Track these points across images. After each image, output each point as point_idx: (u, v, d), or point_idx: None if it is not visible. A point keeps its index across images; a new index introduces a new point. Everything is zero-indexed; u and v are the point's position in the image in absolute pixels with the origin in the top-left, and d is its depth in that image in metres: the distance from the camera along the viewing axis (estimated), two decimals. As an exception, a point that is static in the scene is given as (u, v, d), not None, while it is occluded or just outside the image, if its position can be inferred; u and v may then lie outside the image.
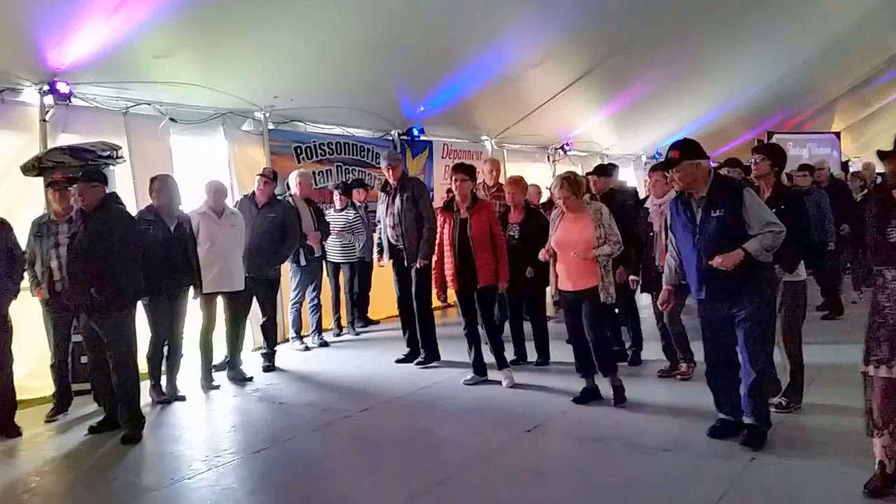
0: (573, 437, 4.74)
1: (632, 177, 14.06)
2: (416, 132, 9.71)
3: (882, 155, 3.45)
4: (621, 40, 8.95)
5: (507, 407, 5.38)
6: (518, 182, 6.42)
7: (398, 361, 6.79)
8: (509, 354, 6.24)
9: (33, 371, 5.67)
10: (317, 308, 7.86)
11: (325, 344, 7.90)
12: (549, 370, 6.35)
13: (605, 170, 6.93)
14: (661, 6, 8.42)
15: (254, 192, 6.80)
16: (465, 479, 4.12)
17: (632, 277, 5.96)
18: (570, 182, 5.08)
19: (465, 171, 5.84)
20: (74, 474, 4.56)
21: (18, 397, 5.35)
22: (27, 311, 5.41)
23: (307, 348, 7.71)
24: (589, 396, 5.28)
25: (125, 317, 4.91)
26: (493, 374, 5.98)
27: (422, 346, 6.65)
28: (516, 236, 6.21)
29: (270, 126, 7.95)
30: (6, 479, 4.48)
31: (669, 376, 5.84)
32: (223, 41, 6.23)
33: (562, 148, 12.55)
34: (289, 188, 7.47)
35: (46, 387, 5.65)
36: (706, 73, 11.39)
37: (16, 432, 5.14)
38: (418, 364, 6.62)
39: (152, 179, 5.71)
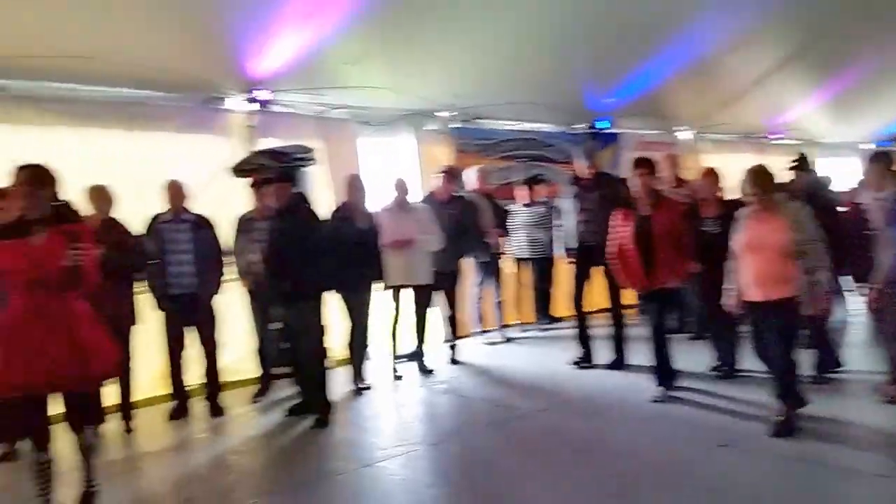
0: (774, 455, 4.20)
1: (845, 167, 12.53)
2: (603, 124, 9.36)
3: None
4: (834, 19, 7.98)
5: (696, 418, 4.96)
6: (711, 174, 5.93)
7: (576, 364, 6.55)
8: (704, 360, 5.79)
9: (240, 356, 6.17)
10: (499, 304, 7.85)
11: (508, 340, 7.87)
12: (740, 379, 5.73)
13: (805, 163, 6.14)
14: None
15: (436, 190, 6.92)
16: (646, 491, 3.84)
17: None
18: (757, 176, 4.49)
19: (646, 166, 5.49)
20: (268, 454, 4.90)
21: (227, 380, 5.90)
22: (234, 301, 5.91)
23: (491, 343, 7.73)
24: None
25: (312, 308, 5.19)
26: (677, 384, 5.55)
27: (615, 350, 6.38)
28: (715, 231, 5.66)
29: (455, 124, 8.06)
30: (208, 455, 4.92)
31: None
32: (407, 45, 6.42)
33: (767, 136, 11.50)
34: (468, 184, 7.52)
35: (252, 370, 6.14)
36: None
37: (219, 412, 5.64)
38: (605, 367, 6.35)
39: (343, 179, 6.00)
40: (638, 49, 7.79)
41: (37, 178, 3.51)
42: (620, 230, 5.41)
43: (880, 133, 12.74)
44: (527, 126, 8.86)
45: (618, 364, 6.31)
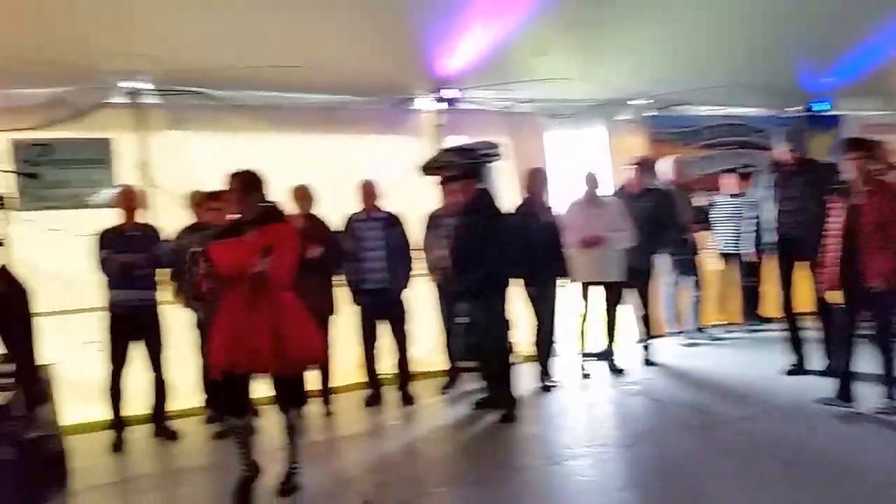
0: None
1: None
2: (821, 106, 8.46)
3: None
4: None
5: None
6: None
7: (789, 373, 5.93)
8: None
9: (429, 348, 6.34)
10: (696, 301, 7.37)
11: (715, 340, 7.42)
12: None
13: None
14: None
15: (628, 182, 6.63)
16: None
17: None
18: None
19: (860, 147, 4.81)
20: (456, 445, 4.96)
21: (417, 371, 6.08)
22: (423, 296, 6.08)
23: (690, 345, 7.28)
24: None
25: (496, 302, 5.18)
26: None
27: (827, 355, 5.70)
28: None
29: (650, 113, 7.71)
30: (400, 442, 5.10)
31: None
32: (597, 31, 6.20)
33: None
34: (663, 176, 7.12)
35: (440, 363, 6.29)
36: None
37: (410, 401, 5.83)
38: (819, 373, 5.69)
39: (526, 173, 5.97)
40: (863, 19, 6.92)
41: (248, 182, 3.86)
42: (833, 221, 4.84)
43: None
44: (731, 111, 8.24)
45: (831, 371, 5.61)
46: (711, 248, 7.61)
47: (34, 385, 4.64)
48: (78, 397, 5.09)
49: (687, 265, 7.27)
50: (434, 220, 5.89)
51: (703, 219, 7.52)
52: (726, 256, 7.63)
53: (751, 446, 4.42)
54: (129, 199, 4.99)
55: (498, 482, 4.14)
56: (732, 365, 6.46)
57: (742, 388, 5.67)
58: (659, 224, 6.48)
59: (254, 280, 3.69)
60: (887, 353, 4.73)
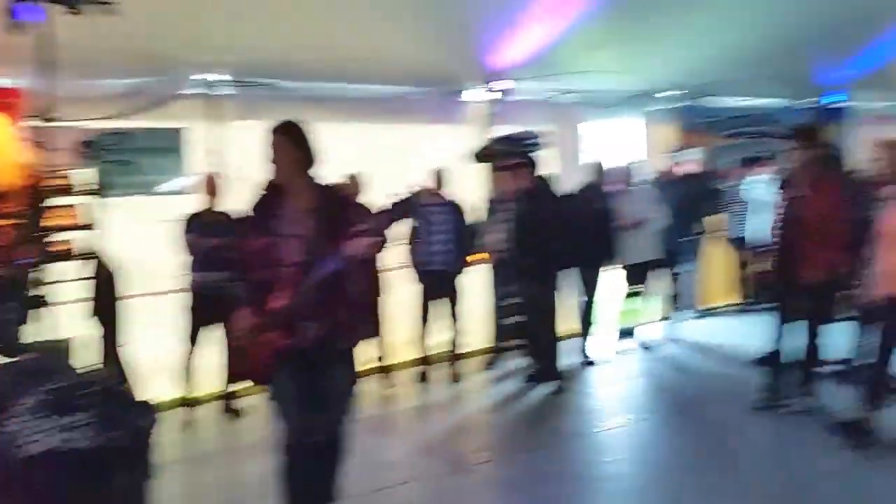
0: None
1: None
2: (833, 98, 8.85)
3: None
4: None
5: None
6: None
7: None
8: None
9: (478, 327, 6.67)
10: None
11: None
12: None
13: None
14: None
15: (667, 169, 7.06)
16: None
17: None
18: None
19: (807, 138, 4.82)
20: (511, 415, 5.39)
21: (467, 350, 6.43)
22: (478, 278, 6.40)
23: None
24: None
25: (549, 283, 5.58)
26: None
27: None
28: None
29: (683, 103, 8.05)
30: (463, 413, 5.59)
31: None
32: (635, 28, 6.52)
33: None
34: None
35: (488, 341, 6.64)
36: None
37: (458, 378, 6.18)
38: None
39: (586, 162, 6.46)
40: (876, 16, 7.29)
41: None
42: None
43: None
44: (754, 102, 8.63)
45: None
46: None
47: (118, 366, 4.94)
48: (153, 377, 5.33)
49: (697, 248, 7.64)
50: (494, 206, 6.20)
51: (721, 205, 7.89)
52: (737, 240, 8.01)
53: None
54: (211, 186, 5.27)
55: (562, 444, 4.67)
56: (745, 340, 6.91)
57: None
58: (690, 209, 6.89)
59: None
60: (812, 346, 4.77)
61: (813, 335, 4.75)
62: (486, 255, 6.18)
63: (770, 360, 5.00)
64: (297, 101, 5.77)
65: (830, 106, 8.95)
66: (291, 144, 3.12)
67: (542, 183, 5.60)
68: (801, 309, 4.68)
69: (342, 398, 3.28)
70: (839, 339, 4.87)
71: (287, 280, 3.05)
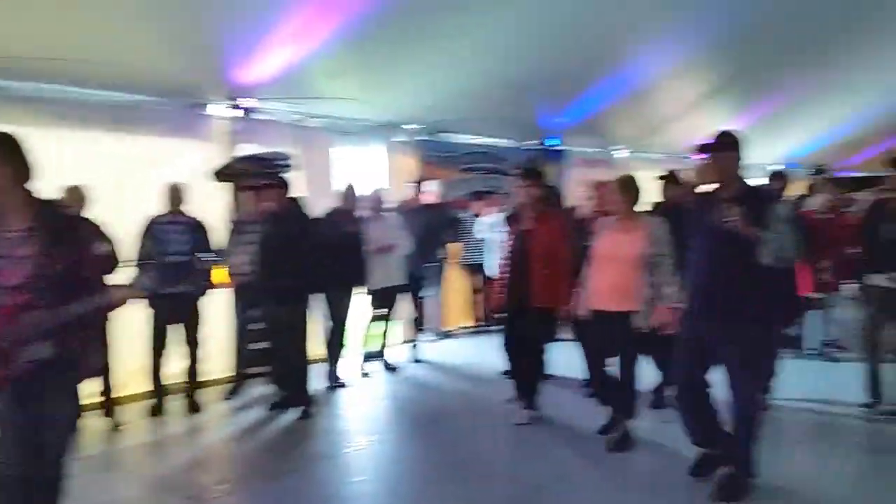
0: None
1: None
2: (552, 142, 9.95)
3: None
4: (758, 52, 8.83)
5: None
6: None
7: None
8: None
9: (217, 354, 6.30)
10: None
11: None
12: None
13: (674, 178, 5.52)
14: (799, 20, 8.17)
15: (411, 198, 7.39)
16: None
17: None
18: (624, 186, 4.64)
19: (530, 177, 5.19)
20: (257, 443, 5.16)
21: (205, 378, 6.04)
22: (219, 302, 6.09)
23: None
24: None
25: (301, 307, 5.47)
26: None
27: None
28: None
29: (422, 137, 8.47)
30: (202, 444, 5.26)
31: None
32: (381, 63, 6.76)
33: (691, 157, 12.32)
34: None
35: (228, 369, 6.30)
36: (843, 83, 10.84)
37: (197, 409, 5.81)
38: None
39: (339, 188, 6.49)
40: (587, 74, 8.39)
41: None
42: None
43: (792, 155, 13.86)
44: (484, 140, 9.35)
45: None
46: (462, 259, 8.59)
47: None
48: None
49: (439, 274, 8.13)
50: (238, 226, 5.96)
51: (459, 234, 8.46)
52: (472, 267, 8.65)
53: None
54: None
55: (315, 466, 4.60)
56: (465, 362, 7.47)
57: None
58: (431, 236, 7.25)
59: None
60: (537, 365, 5.28)
61: (539, 353, 5.24)
62: (227, 278, 5.89)
63: (510, 374, 5.42)
64: (15, 102, 5.10)
65: (552, 148, 10.05)
66: (1, 156, 2.73)
67: (293, 205, 5.50)
68: (527, 330, 5.11)
69: (61, 433, 2.89)
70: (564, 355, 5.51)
71: (5, 305, 2.68)
